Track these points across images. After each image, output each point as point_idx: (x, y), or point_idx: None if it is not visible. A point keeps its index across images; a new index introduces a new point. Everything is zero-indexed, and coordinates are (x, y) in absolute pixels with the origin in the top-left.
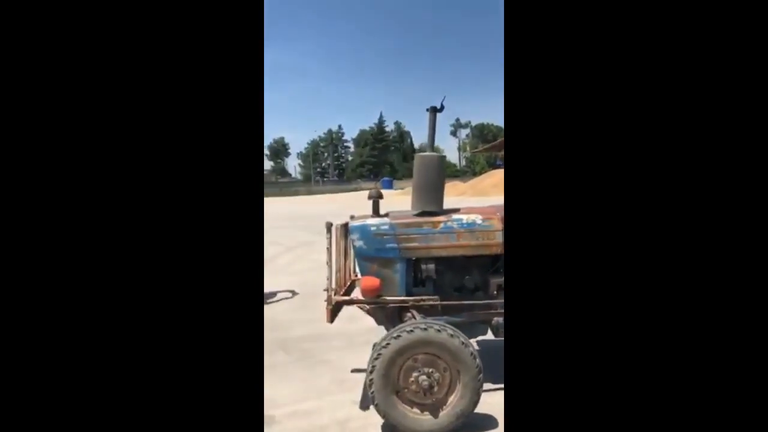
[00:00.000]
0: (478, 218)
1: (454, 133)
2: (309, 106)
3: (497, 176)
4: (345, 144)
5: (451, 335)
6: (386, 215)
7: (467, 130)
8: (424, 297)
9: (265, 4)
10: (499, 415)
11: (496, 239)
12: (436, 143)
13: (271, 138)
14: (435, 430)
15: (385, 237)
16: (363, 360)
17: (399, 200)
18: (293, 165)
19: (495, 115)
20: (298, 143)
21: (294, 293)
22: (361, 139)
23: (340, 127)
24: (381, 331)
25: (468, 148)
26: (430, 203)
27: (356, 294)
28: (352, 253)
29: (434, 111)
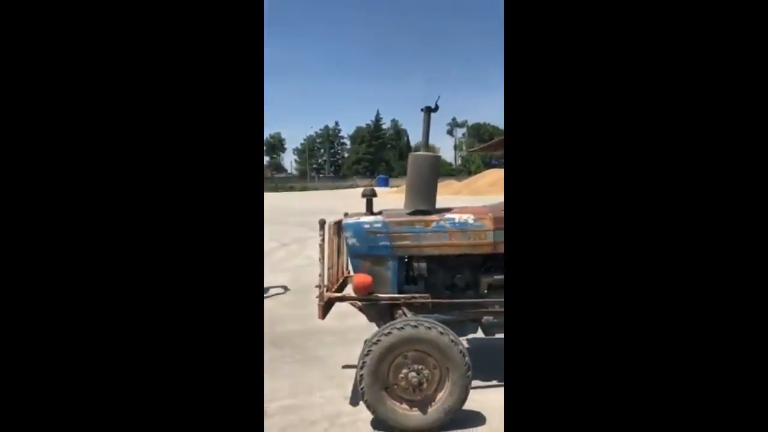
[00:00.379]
0: (470, 218)
1: (450, 132)
2: (306, 102)
3: (492, 175)
4: (341, 140)
5: (441, 333)
6: (379, 213)
7: (464, 130)
8: (415, 295)
9: (265, 0)
10: (487, 412)
11: (487, 239)
12: (432, 142)
13: (267, 133)
14: (423, 426)
15: (377, 235)
16: (354, 356)
17: (395, 198)
18: (290, 161)
19: (491, 115)
20: (294, 139)
21: (286, 289)
22: (358, 136)
23: (336, 123)
24: (372, 328)
25: (464, 148)
26: (423, 202)
27: (348, 291)
28: (345, 250)
29: (429, 111)
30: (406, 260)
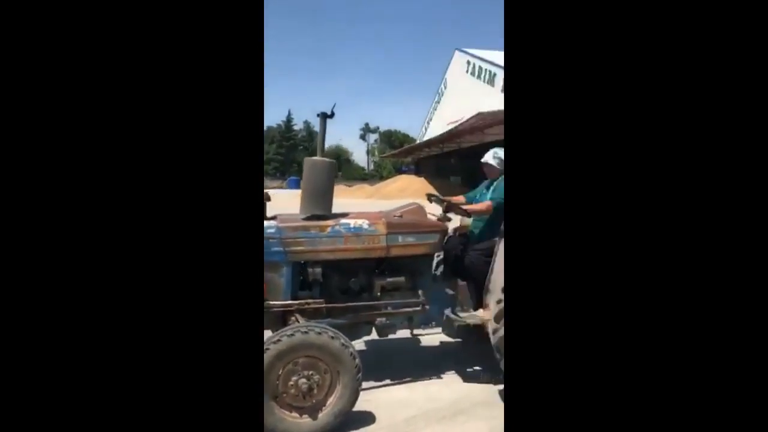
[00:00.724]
0: (364, 223)
1: (363, 137)
2: None
3: (402, 181)
4: None
5: (332, 337)
6: (274, 218)
7: (376, 135)
8: (308, 300)
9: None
10: (376, 410)
11: (381, 243)
12: (346, 145)
13: None
14: None
15: (270, 240)
16: None
17: None
18: None
19: (402, 122)
20: None
21: None
22: (268, 137)
23: None
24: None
25: (377, 153)
26: (319, 207)
27: None
28: None
29: (324, 117)
30: (300, 265)
